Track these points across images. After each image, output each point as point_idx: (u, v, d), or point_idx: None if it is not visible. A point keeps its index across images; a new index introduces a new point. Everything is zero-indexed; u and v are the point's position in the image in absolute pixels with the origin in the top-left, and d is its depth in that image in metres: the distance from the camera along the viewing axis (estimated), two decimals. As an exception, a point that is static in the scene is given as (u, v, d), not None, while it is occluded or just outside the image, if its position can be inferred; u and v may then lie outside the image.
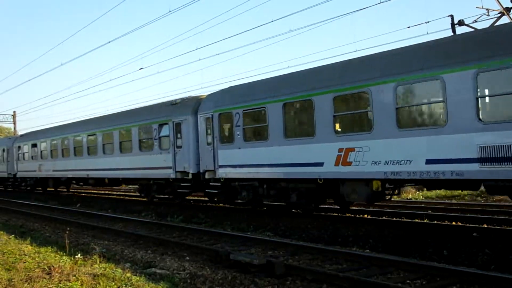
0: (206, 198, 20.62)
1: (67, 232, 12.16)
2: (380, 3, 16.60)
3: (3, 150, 36.59)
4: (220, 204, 20.05)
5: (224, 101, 16.28)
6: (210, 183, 17.03)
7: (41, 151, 30.28)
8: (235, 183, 16.04)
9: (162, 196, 21.36)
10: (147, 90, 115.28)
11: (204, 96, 18.03)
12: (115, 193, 31.41)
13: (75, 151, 25.95)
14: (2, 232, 14.42)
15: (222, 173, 16.12)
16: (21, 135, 35.72)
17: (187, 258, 10.15)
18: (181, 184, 18.60)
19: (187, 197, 21.00)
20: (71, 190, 34.61)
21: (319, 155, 12.76)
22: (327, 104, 12.48)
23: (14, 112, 58.00)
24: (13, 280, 8.01)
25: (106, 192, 32.95)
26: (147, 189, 21.34)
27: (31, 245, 11.92)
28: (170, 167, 18.46)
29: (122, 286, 7.60)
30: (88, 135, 24.65)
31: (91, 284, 7.73)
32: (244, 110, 15.16)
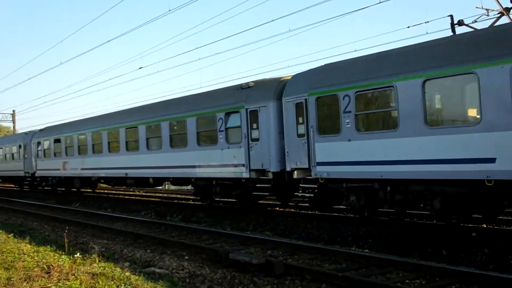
0: (278, 202, 17.56)
1: (66, 231, 12.15)
2: (380, 2, 16.59)
3: (19, 147, 33.16)
4: (220, 204, 19.97)
5: (324, 81, 13.01)
6: (301, 185, 13.78)
7: (66, 147, 26.81)
8: (340, 184, 12.79)
9: (226, 199, 18.31)
10: (146, 89, 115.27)
11: (287, 78, 14.80)
12: (114, 192, 31.36)
13: (109, 146, 22.64)
14: (1, 231, 14.41)
15: (321, 172, 12.87)
16: (41, 130, 31.49)
17: (186, 257, 10.15)
18: (257, 185, 15.21)
19: (261, 201, 17.32)
20: (96, 190, 31.48)
21: (487, 149, 9.49)
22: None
23: (13, 111, 58.03)
24: (12, 279, 8.00)
25: (105, 191, 32.80)
26: (206, 191, 17.73)
27: (30, 244, 11.91)
28: (242, 165, 15.21)
29: (121, 285, 7.59)
30: (127, 128, 21.31)
31: (90, 283, 7.73)
32: (358, 92, 11.88)
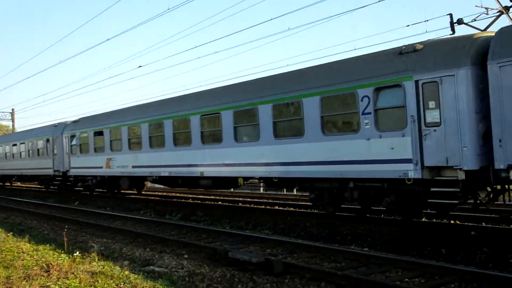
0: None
1: (65, 230, 12.16)
2: (379, 1, 16.54)
3: (47, 141, 28.52)
4: (219, 202, 19.99)
5: None
6: None
7: (112, 141, 22.14)
8: None
9: (375, 207, 13.37)
10: (146, 88, 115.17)
11: (486, 34, 10.78)
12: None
13: (175, 139, 18.02)
14: (0, 229, 14.41)
15: None
16: (75, 121, 26.94)
17: (186, 256, 10.15)
18: (431, 189, 10.75)
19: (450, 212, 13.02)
20: (143, 192, 26.70)
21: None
22: None
23: (12, 109, 57.93)
24: (11, 278, 8.01)
25: (104, 190, 32.41)
26: (332, 196, 13.20)
27: (30, 243, 11.92)
28: (406, 160, 10.99)
29: (120, 284, 7.59)
30: (204, 115, 16.70)
31: (89, 282, 7.73)
32: None
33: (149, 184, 24.91)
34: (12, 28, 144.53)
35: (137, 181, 22.69)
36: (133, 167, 20.58)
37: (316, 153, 12.84)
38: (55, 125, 28.90)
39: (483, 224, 12.17)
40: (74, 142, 25.74)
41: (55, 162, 27.53)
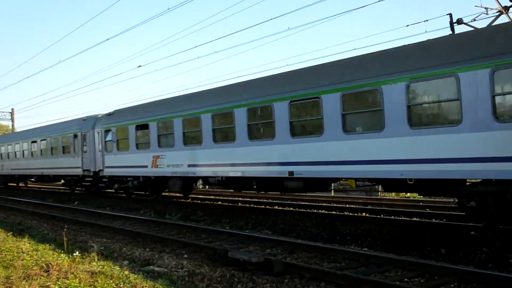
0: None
1: (65, 229, 12.15)
2: (379, 1, 16.55)
3: (74, 137, 25.28)
4: (218, 202, 20.03)
5: None
6: None
7: (160, 136, 18.82)
8: None
9: None
10: (145, 88, 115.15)
11: None
12: (112, 190, 31.17)
13: (250, 131, 14.72)
14: (0, 229, 14.40)
15: None
16: (109, 114, 23.28)
17: (185, 256, 10.15)
18: None
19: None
20: (192, 195, 22.95)
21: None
22: None
23: (12, 109, 57.96)
24: (11, 278, 8.00)
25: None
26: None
27: (29, 243, 11.91)
28: None
29: (120, 284, 7.59)
30: (293, 101, 13.36)
31: (89, 281, 7.73)
32: None
33: (203, 186, 21.53)
34: (12, 28, 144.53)
35: (190, 183, 19.26)
36: (189, 166, 17.19)
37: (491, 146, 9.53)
38: (83, 119, 25.47)
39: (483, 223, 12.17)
40: (109, 137, 22.14)
41: (84, 161, 24.29)
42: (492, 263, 8.83)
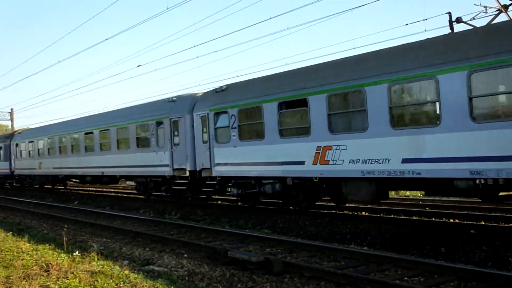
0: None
1: (65, 229, 12.17)
2: (378, 0, 16.49)
3: (157, 125, 19.06)
4: (218, 202, 20.01)
5: None
6: None
7: (330, 115, 12.24)
8: None
9: None
10: (145, 87, 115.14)
11: None
12: (112, 190, 31.29)
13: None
14: (0, 229, 14.40)
15: None
16: (217, 90, 16.65)
17: (185, 255, 10.15)
18: None
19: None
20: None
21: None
22: None
23: (11, 109, 57.86)
24: (11, 278, 8.01)
25: (104, 189, 32.61)
26: None
27: (29, 243, 11.91)
28: None
29: (120, 284, 7.60)
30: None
31: (89, 281, 7.73)
32: None
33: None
34: (12, 28, 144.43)
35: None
36: (403, 161, 10.68)
37: None
38: (170, 100, 18.95)
39: (483, 222, 12.19)
40: (222, 122, 15.85)
41: (175, 157, 18.08)
42: (491, 261, 8.83)
